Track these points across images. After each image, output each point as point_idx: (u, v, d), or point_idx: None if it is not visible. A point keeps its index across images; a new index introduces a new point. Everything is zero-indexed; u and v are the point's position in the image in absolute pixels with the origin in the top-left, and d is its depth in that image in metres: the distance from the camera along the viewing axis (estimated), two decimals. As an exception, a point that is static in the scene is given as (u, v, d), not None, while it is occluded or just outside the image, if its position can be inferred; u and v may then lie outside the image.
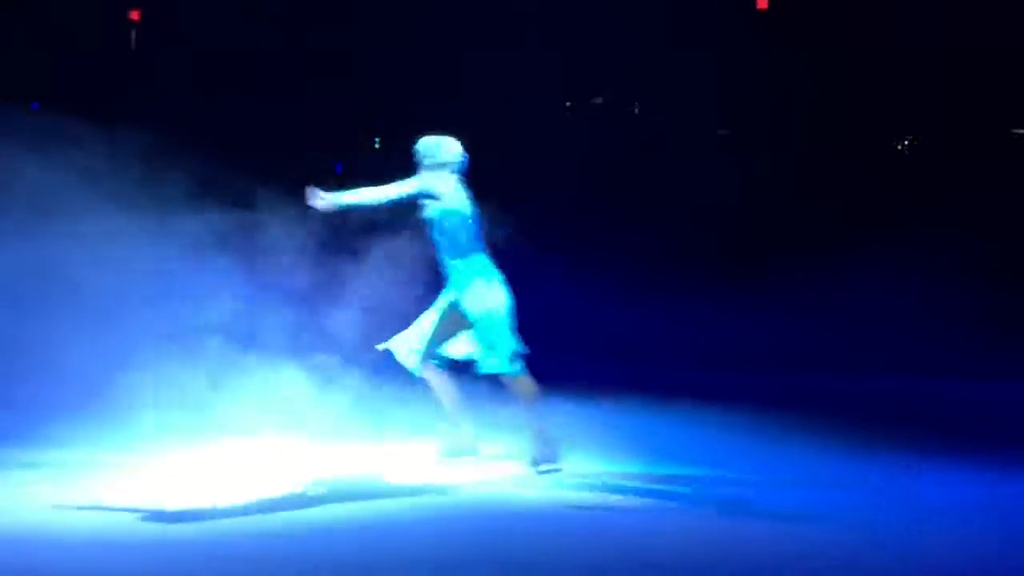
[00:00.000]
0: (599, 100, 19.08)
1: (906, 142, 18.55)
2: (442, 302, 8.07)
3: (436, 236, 7.99)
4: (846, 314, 14.11)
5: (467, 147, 8.13)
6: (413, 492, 7.52)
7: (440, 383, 8.12)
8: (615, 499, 7.36)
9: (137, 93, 15.82)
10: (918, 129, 17.91)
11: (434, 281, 8.18)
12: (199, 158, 11.93)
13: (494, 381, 8.06)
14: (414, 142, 8.11)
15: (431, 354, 8.04)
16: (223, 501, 7.22)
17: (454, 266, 8.00)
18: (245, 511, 7.02)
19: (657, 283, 14.58)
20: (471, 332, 7.99)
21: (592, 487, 7.63)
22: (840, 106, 17.39)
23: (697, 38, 16.75)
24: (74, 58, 15.81)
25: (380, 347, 8.15)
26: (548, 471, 7.86)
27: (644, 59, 17.63)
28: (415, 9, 17.21)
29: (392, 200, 7.91)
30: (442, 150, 8.05)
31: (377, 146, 18.79)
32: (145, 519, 6.78)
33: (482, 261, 7.98)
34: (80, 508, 6.98)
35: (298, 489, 7.54)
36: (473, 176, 8.33)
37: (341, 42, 17.32)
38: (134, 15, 17.44)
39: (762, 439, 9.10)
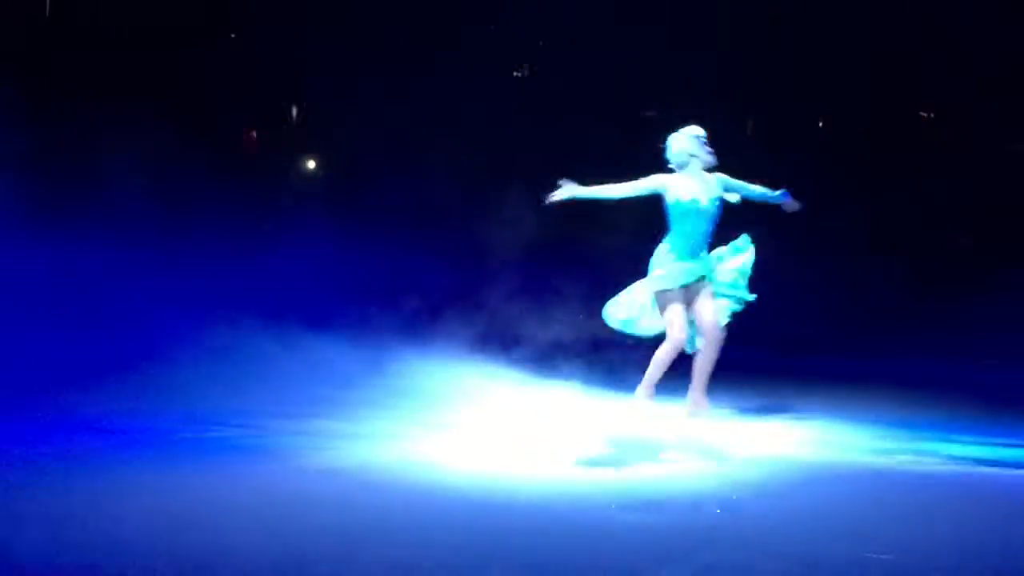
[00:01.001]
0: (519, 74, 18.95)
1: (820, 123, 18.79)
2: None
3: (670, 225, 8.55)
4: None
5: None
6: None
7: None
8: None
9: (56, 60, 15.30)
10: (833, 110, 18.12)
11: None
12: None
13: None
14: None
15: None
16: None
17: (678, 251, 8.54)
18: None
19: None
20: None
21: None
22: (764, 85, 17.47)
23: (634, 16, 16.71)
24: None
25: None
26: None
27: (569, 35, 17.55)
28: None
29: (624, 197, 8.46)
30: (670, 149, 8.59)
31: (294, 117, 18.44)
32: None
33: (695, 252, 8.54)
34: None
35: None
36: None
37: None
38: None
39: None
